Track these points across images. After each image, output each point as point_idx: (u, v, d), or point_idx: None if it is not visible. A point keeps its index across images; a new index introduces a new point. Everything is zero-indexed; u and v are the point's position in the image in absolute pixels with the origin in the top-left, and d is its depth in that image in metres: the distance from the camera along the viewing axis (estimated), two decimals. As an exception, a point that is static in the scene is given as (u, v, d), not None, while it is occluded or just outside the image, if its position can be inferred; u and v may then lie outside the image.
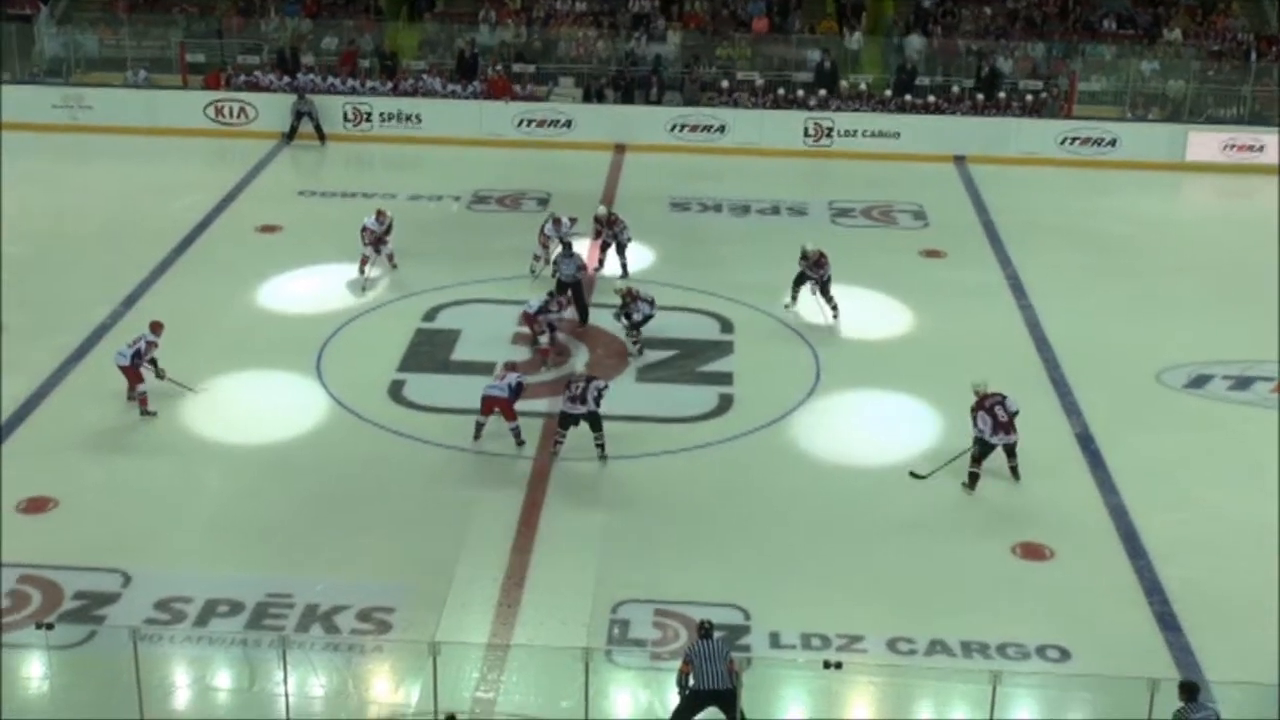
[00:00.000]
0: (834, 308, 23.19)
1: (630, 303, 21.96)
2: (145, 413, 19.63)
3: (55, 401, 20.17)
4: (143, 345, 19.79)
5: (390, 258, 24.83)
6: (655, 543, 17.25)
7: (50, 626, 14.09)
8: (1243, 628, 15.73)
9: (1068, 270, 25.94)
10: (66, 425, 19.50)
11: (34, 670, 14.87)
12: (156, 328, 20.10)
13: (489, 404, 19.17)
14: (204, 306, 23.35)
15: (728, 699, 13.42)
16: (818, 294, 23.22)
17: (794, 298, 23.54)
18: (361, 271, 24.39)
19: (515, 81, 33.84)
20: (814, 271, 23.13)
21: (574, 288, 22.96)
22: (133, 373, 19.63)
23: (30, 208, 27.79)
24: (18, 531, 17.07)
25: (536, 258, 24.73)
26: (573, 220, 24.78)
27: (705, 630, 13.89)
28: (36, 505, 17.55)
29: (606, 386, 19.05)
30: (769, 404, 20.63)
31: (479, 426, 19.29)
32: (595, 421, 18.83)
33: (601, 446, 18.91)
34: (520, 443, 19.25)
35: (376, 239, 24.51)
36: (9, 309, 22.52)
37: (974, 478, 18.29)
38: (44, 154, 31.65)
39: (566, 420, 18.87)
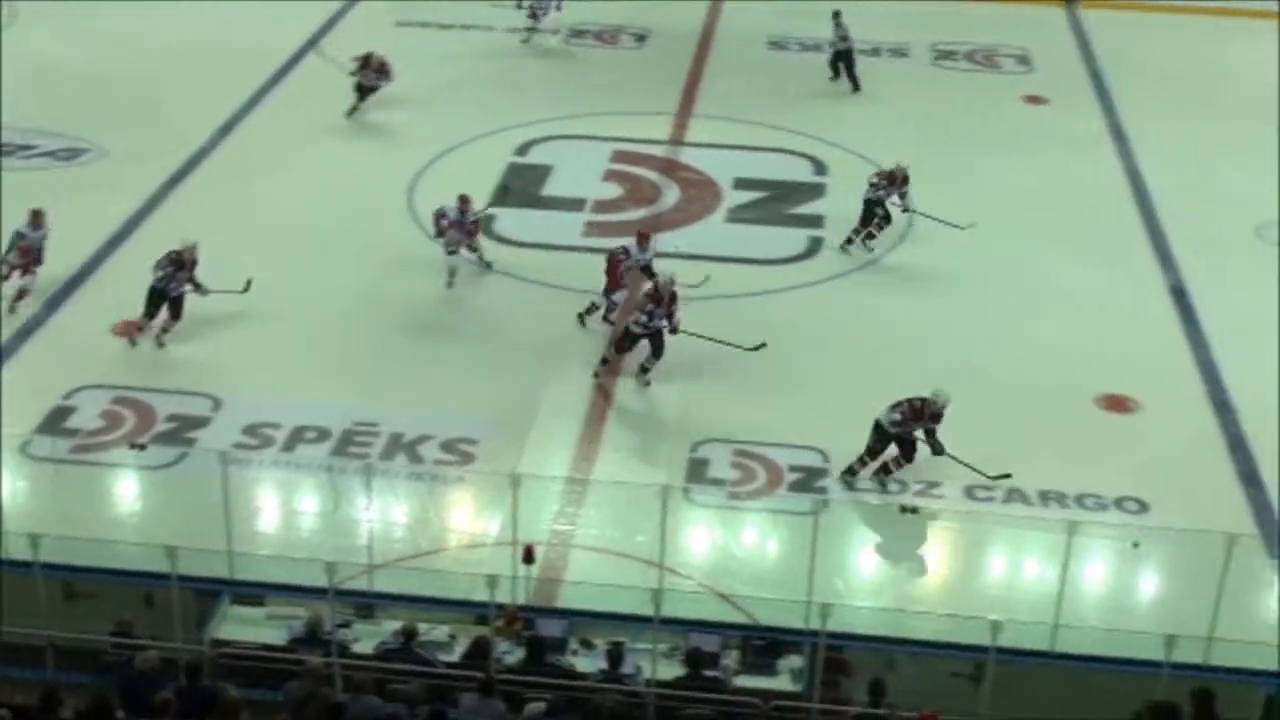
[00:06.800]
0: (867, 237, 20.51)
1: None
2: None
3: (152, 226, 20.43)
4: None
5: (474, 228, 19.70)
6: (737, 384, 17.27)
7: (143, 447, 14.48)
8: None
9: (1174, 121, 25.27)
10: (163, 250, 19.73)
11: (126, 489, 15.36)
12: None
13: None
14: (298, 136, 23.47)
15: None
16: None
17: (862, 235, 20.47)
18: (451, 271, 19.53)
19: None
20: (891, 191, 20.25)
21: None
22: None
23: (127, 31, 27.87)
24: (113, 353, 17.50)
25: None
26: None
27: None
28: (132, 328, 17.89)
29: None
30: (858, 249, 20.47)
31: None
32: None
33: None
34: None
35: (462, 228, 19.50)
36: (110, 130, 22.74)
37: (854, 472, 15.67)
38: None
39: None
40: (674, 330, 17.04)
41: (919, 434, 15.35)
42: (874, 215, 20.22)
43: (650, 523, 13.61)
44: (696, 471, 15.82)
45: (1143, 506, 15.27)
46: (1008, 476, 15.30)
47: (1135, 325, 18.74)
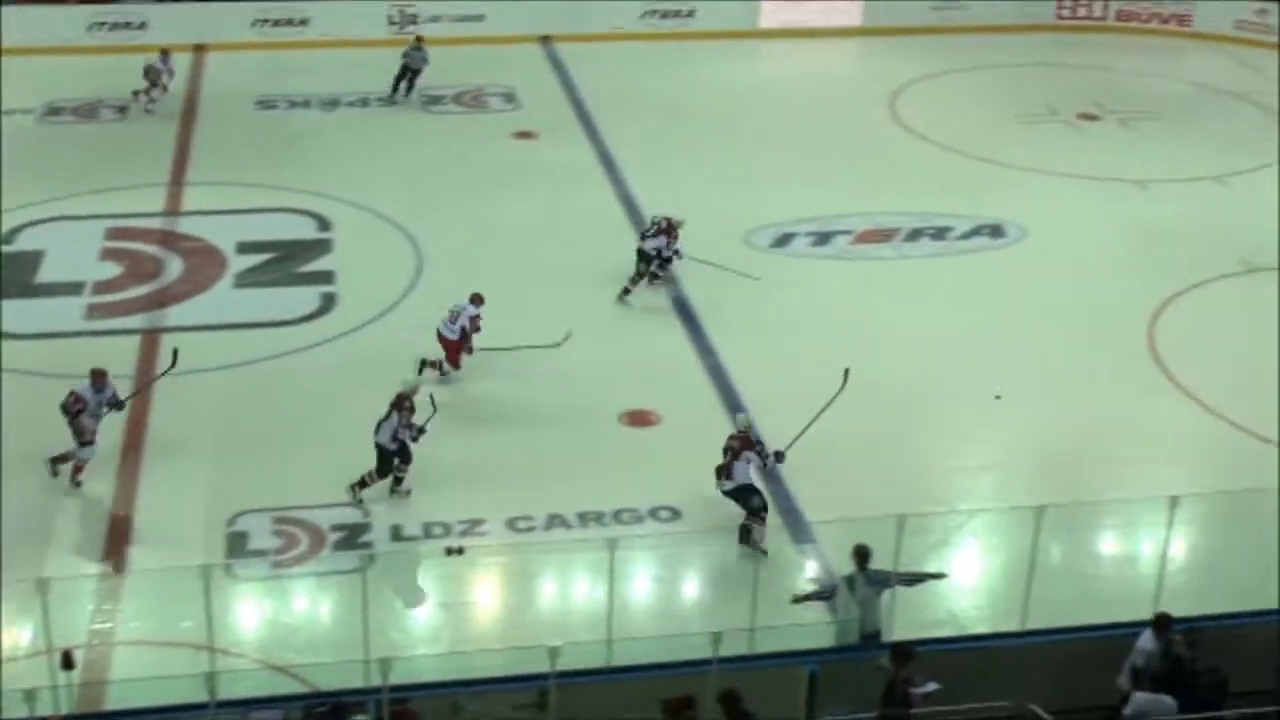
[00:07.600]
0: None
1: None
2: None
3: None
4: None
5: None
6: (266, 450, 17.03)
7: None
8: (837, 470, 16.64)
9: (657, 143, 26.46)
10: None
11: None
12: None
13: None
14: None
15: None
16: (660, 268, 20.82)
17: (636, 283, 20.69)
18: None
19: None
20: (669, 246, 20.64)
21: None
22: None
23: None
24: None
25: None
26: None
27: None
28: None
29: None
30: (372, 300, 20.51)
31: None
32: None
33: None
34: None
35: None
36: None
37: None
38: None
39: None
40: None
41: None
42: (649, 262, 20.56)
43: (195, 606, 13.15)
44: (236, 545, 15.48)
45: (675, 514, 15.94)
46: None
47: (646, 342, 19.56)
